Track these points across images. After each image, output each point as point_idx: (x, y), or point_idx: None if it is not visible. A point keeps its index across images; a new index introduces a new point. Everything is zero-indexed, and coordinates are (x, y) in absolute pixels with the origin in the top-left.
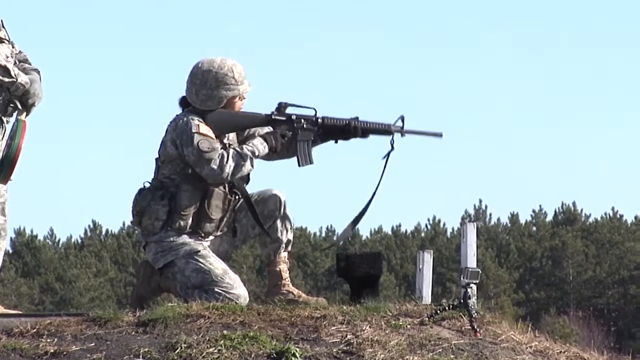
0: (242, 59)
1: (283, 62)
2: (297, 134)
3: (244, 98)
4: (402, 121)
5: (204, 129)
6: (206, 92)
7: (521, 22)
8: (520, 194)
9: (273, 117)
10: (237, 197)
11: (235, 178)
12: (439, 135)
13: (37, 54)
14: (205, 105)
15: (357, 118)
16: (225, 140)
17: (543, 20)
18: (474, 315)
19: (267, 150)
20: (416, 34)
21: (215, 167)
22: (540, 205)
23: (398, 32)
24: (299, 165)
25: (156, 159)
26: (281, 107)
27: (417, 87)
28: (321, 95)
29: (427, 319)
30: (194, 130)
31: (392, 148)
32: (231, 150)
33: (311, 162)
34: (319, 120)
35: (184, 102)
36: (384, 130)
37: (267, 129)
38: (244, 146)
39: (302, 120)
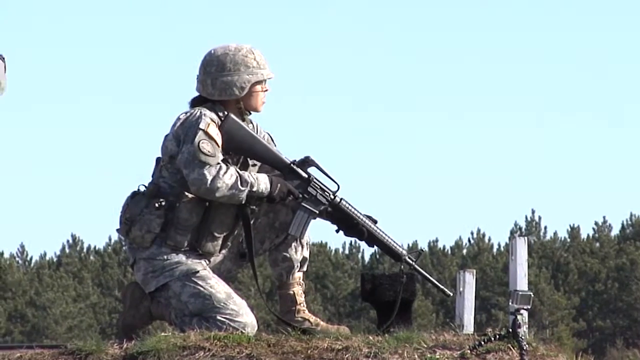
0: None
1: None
2: (304, 199)
3: (267, 90)
4: (419, 256)
5: (214, 131)
6: (225, 79)
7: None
8: (581, 203)
9: (293, 166)
10: (248, 212)
11: (223, 200)
12: (448, 295)
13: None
14: (225, 94)
15: (376, 222)
16: (250, 162)
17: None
18: (524, 348)
19: (266, 193)
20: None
21: (208, 175)
22: (604, 217)
23: (439, 35)
24: (289, 231)
25: (158, 158)
26: (306, 161)
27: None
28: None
29: (468, 351)
30: (201, 127)
31: (402, 277)
32: (233, 169)
33: (301, 237)
34: (336, 199)
35: (196, 104)
36: (393, 253)
37: (278, 173)
38: (246, 173)
39: (318, 190)
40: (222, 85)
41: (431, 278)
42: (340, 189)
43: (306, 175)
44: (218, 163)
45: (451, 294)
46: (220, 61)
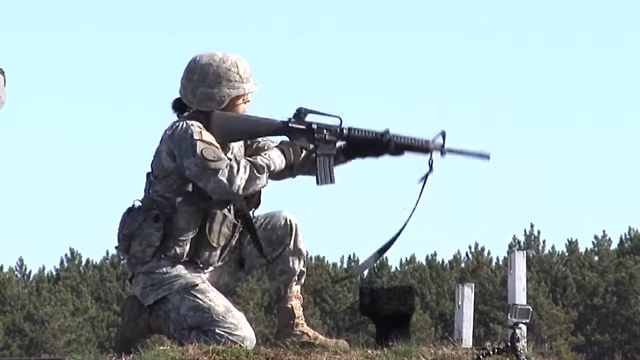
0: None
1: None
2: (317, 147)
3: (248, 100)
4: (443, 138)
5: (207, 136)
6: (205, 90)
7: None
8: (580, 218)
9: (290, 124)
10: (244, 220)
11: (248, 193)
12: (487, 156)
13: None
14: (203, 105)
15: (388, 130)
16: (229, 154)
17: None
18: None
19: (284, 165)
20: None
21: (224, 179)
22: (603, 231)
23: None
24: (318, 184)
25: (148, 173)
26: (300, 113)
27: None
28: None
29: None
30: (196, 138)
31: (431, 169)
32: (243, 161)
33: (332, 182)
34: (345, 131)
35: (178, 106)
36: (421, 147)
37: (280, 140)
38: (259, 157)
39: (325, 131)
40: (201, 96)
41: (467, 149)
42: (343, 120)
43: (306, 126)
44: (227, 163)
45: (489, 155)
46: (204, 71)
